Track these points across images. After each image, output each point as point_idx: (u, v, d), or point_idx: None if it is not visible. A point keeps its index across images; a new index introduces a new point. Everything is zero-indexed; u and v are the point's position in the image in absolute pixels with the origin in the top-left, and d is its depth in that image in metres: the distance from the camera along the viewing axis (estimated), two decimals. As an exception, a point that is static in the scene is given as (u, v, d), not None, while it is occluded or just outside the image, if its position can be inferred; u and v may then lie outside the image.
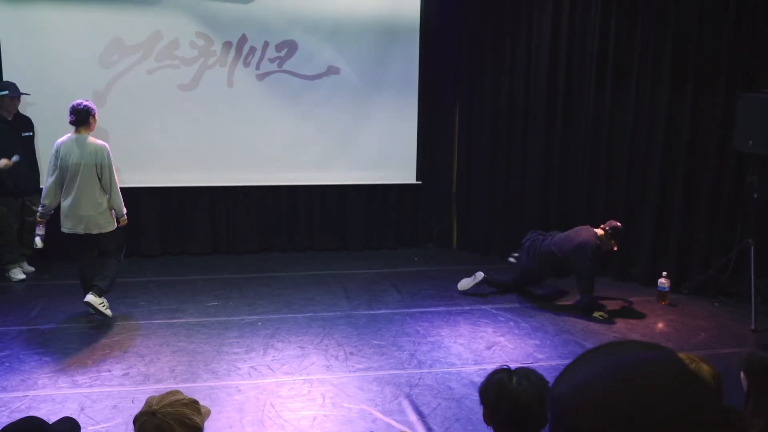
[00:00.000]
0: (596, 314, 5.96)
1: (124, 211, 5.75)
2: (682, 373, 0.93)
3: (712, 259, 6.57)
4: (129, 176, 7.06)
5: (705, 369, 2.62)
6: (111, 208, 5.64)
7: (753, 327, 5.74)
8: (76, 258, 5.92)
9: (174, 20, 7.15)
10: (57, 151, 5.54)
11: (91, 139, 5.56)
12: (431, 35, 7.75)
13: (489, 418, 2.42)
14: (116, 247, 5.85)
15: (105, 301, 5.64)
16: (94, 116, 5.60)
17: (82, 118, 5.52)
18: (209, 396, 4.39)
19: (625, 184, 6.98)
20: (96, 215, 5.55)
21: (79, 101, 5.59)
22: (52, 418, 2.54)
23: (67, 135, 5.59)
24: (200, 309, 6.03)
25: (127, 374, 4.75)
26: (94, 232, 5.59)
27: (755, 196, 5.99)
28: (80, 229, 5.55)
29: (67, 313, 5.84)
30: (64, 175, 5.51)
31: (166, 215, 7.61)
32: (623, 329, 5.78)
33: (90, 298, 5.51)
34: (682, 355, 2.88)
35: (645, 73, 6.74)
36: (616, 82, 6.92)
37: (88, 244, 5.69)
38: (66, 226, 5.59)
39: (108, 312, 5.64)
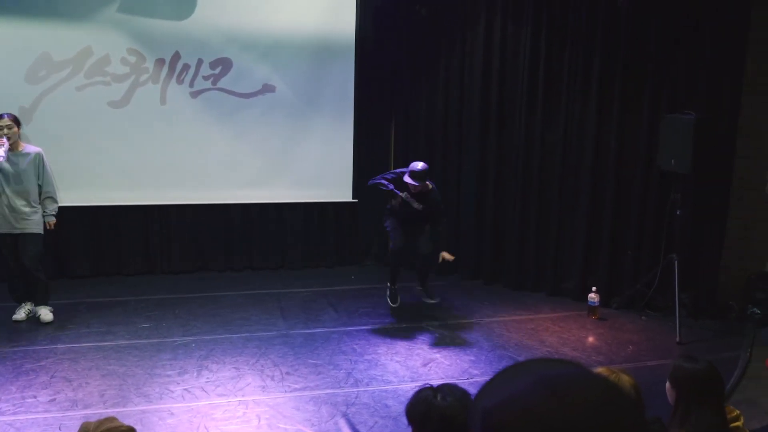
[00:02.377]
0: None
1: None
2: (606, 388, 0.96)
3: (639, 274, 6.79)
4: (58, 195, 6.84)
5: (625, 379, 2.72)
6: None
7: (678, 339, 5.94)
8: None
9: (105, 36, 7.01)
10: None
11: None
12: (367, 54, 7.82)
13: None
14: None
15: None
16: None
17: None
18: (141, 420, 4.28)
19: (557, 202, 7.16)
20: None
21: None
22: (-28, 449, 2.44)
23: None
24: (132, 331, 5.88)
25: (53, 400, 4.58)
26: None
27: (678, 213, 6.23)
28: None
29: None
30: None
31: (98, 235, 7.41)
32: (555, 344, 5.91)
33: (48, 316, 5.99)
34: (602, 368, 2.97)
35: (574, 93, 6.95)
36: (546, 102, 7.11)
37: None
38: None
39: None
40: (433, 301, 6.55)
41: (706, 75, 6.39)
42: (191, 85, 7.32)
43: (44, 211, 5.90)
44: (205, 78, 7.35)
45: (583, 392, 0.94)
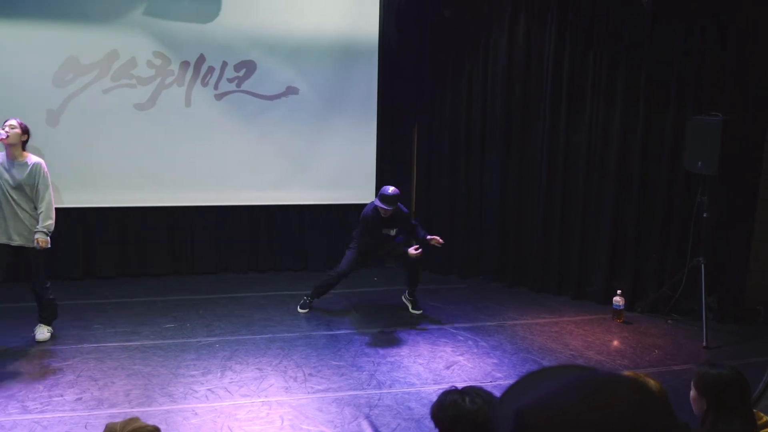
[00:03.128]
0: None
1: None
2: (637, 391, 0.96)
3: (665, 277, 6.72)
4: (85, 197, 6.96)
5: (651, 383, 2.68)
6: None
7: (705, 344, 5.87)
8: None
9: (131, 39, 7.08)
10: None
11: None
12: (390, 56, 7.82)
13: None
14: None
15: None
16: None
17: None
18: (165, 420, 4.31)
19: (581, 204, 7.10)
20: None
21: None
22: (1, 446, 2.48)
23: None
24: (157, 331, 5.93)
25: (80, 399, 4.63)
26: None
27: (705, 215, 6.16)
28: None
29: (17, 336, 5.68)
30: None
31: (124, 236, 7.49)
32: (579, 347, 5.86)
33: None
34: (628, 373, 2.94)
35: (598, 95, 6.89)
36: (570, 104, 7.06)
37: None
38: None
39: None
40: (419, 312, 6.59)
41: (732, 76, 6.31)
42: (216, 87, 7.37)
43: (37, 226, 5.35)
44: (230, 80, 7.40)
45: (615, 394, 0.94)
